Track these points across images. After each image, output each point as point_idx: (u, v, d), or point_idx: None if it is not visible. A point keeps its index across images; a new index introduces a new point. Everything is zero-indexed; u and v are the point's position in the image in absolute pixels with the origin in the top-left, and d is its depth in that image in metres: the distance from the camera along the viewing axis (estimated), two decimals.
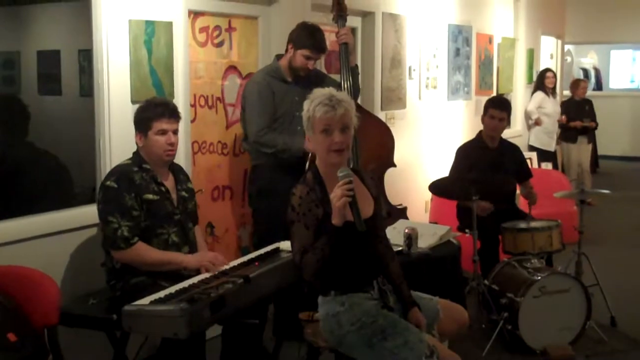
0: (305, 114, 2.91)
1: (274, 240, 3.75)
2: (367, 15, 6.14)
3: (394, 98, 6.49)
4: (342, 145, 2.87)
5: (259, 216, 4.44)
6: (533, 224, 4.86)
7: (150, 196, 3.35)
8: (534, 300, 4.32)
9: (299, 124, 4.45)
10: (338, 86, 4.53)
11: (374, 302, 2.95)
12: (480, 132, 5.43)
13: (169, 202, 3.43)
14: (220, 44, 4.69)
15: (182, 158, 4.15)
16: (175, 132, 3.44)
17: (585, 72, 15.49)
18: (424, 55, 6.96)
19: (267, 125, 4.24)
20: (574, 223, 5.13)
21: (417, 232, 3.80)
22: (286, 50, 4.37)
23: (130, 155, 3.47)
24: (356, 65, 4.70)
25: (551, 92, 9.29)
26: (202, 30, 4.54)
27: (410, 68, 6.73)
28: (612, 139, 13.03)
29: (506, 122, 5.33)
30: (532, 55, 9.98)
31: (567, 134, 9.48)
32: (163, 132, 3.38)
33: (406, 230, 3.79)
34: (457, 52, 7.67)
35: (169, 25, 4.07)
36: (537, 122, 9.30)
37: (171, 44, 4.09)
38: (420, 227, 3.95)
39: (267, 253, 3.56)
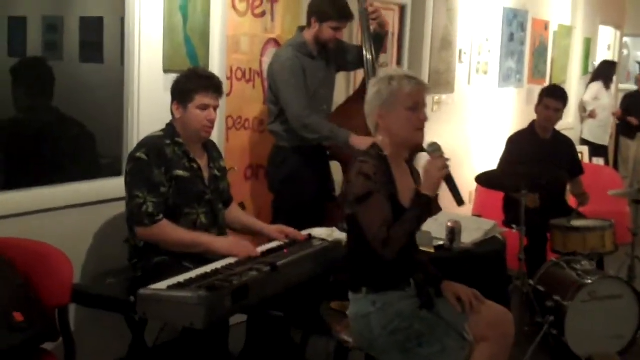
0: (386, 89, 2.72)
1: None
2: None
3: (442, 81, 6.18)
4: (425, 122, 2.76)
5: (281, 203, 4.16)
6: (584, 223, 4.56)
7: (180, 172, 3.12)
8: (582, 305, 4.03)
9: (324, 103, 4.23)
10: (359, 51, 4.26)
11: (410, 302, 2.70)
12: (533, 121, 5.13)
13: (200, 180, 3.20)
14: (262, 15, 4.43)
15: (215, 133, 3.90)
16: (216, 108, 3.21)
17: None
18: (476, 39, 6.63)
19: (308, 106, 3.98)
20: (626, 223, 4.82)
21: (461, 225, 3.51)
22: (309, 24, 4.08)
23: (162, 127, 3.24)
24: (387, 33, 4.41)
25: (608, 84, 8.88)
26: None
27: (461, 51, 6.41)
28: None
29: (561, 113, 5.02)
30: (588, 45, 9.53)
31: (625, 129, 9.05)
32: (204, 107, 3.14)
33: (449, 224, 3.50)
34: (511, 37, 7.31)
35: None
36: (592, 115, 8.89)
37: (208, 11, 3.86)
38: (463, 220, 3.66)
39: (298, 240, 3.31)
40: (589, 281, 4.05)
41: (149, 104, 3.58)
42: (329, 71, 4.24)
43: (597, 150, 8.83)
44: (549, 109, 4.95)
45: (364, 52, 4.22)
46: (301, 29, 4.16)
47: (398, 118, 2.72)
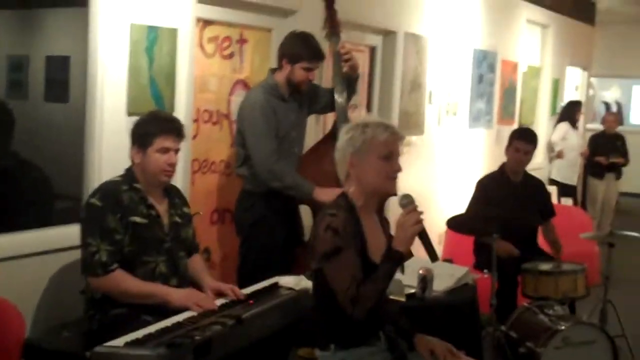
0: (360, 137, 2.64)
1: (262, 277, 3.40)
2: (388, 35, 5.81)
3: (412, 123, 6.15)
4: (398, 173, 2.68)
5: (249, 248, 4.03)
6: (557, 267, 4.50)
7: (137, 219, 3.00)
8: (555, 352, 3.94)
9: (295, 146, 4.15)
10: (331, 94, 4.19)
11: (381, 357, 2.59)
12: (503, 164, 5.09)
13: (158, 227, 3.08)
14: (230, 56, 4.37)
15: (179, 177, 3.82)
16: (177, 152, 3.11)
17: (607, 105, 15.12)
18: (445, 80, 6.62)
19: (276, 151, 3.89)
20: (595, 265, 4.77)
21: (433, 273, 3.42)
22: (280, 66, 4.00)
23: (123, 172, 3.13)
24: (359, 75, 4.34)
25: (575, 124, 8.94)
26: (210, 40, 4.22)
27: (430, 92, 6.39)
28: (634, 175, 12.58)
29: (531, 155, 4.99)
30: (557, 86, 9.62)
31: (594, 169, 9.07)
32: (165, 151, 3.03)
33: (421, 271, 3.41)
34: (481, 78, 7.33)
35: (173, 32, 3.75)
36: (560, 155, 8.93)
37: (175, 52, 3.77)
38: (435, 266, 3.57)
39: (264, 289, 3.20)
40: (562, 327, 3.98)
41: (112, 148, 3.46)
42: (300, 113, 4.16)
43: (565, 190, 8.84)
44: (519, 152, 4.92)
45: (336, 95, 4.16)
46: (272, 70, 4.09)
47: (371, 167, 2.64)
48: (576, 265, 4.53)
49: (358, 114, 5.26)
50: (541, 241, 5.19)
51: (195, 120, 4.13)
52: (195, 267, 3.30)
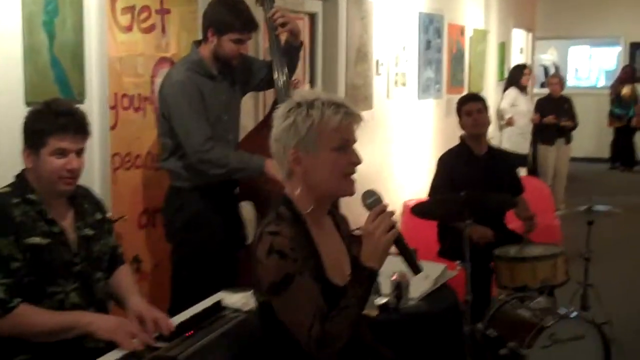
0: (304, 122, 2.01)
1: (199, 290, 2.82)
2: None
3: (360, 97, 5.59)
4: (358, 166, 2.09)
5: (182, 255, 3.45)
6: (532, 251, 4.04)
7: (36, 240, 2.35)
8: (542, 352, 3.47)
9: (230, 131, 3.55)
10: (269, 67, 3.63)
11: None
12: (462, 137, 4.60)
13: (64, 247, 2.43)
14: (150, 29, 3.72)
15: (96, 177, 3.20)
16: (80, 152, 2.46)
17: (546, 69, 14.86)
18: (392, 48, 6.07)
19: (210, 136, 3.29)
20: (556, 239, 4.34)
21: (408, 279, 2.88)
22: (205, 38, 3.41)
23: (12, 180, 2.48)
24: (301, 43, 3.77)
25: (524, 89, 8.53)
26: (125, 10, 3.55)
27: (377, 62, 5.83)
28: (579, 139, 12.35)
29: (486, 114, 4.53)
30: (503, 50, 9.19)
31: (543, 134, 8.70)
32: (61, 153, 2.39)
33: (394, 277, 2.87)
34: (428, 44, 6.81)
35: (77, 3, 3.09)
36: (510, 122, 8.50)
37: (81, 26, 3.13)
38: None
39: (204, 312, 2.59)
40: (548, 323, 3.50)
41: (6, 147, 2.80)
42: (233, 93, 3.57)
43: (518, 160, 8.44)
44: (472, 113, 4.46)
45: (274, 71, 3.56)
46: (197, 43, 3.47)
47: (321, 162, 2.03)
48: (554, 247, 4.10)
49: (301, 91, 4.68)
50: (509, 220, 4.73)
51: (113, 108, 3.49)
52: (119, 281, 2.68)
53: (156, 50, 3.76)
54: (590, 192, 8.74)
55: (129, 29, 3.59)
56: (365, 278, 1.95)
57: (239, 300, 2.68)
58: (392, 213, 2.00)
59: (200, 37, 3.55)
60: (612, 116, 12.23)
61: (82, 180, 2.58)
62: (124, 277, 2.71)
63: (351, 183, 2.07)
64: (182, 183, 3.39)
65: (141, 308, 2.52)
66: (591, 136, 12.88)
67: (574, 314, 3.69)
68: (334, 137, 2.01)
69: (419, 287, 3.02)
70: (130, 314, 2.52)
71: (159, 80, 3.63)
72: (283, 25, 3.56)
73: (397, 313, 2.88)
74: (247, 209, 3.72)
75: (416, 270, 2.05)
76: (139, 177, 3.69)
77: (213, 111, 3.38)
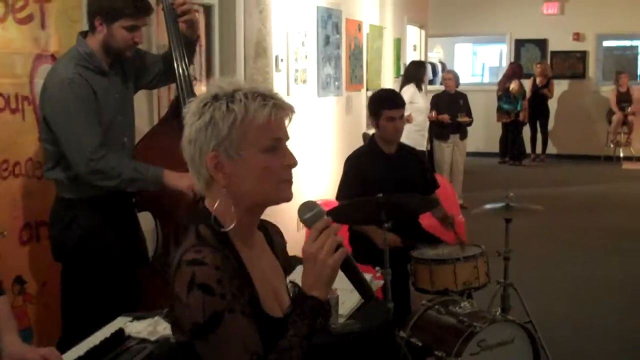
0: (224, 119, 1.62)
1: (97, 316, 2.46)
2: None
3: None
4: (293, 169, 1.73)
5: (73, 276, 3.05)
6: (451, 252, 3.86)
7: None
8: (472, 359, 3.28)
9: (125, 133, 3.13)
10: (165, 60, 3.29)
11: None
12: (373, 137, 4.39)
13: None
14: (27, 20, 3.26)
15: None
16: None
17: (433, 66, 15.00)
18: (292, 43, 5.78)
19: (100, 143, 2.89)
20: (461, 235, 4.19)
21: (338, 296, 2.57)
22: (93, 28, 3.02)
23: None
24: (198, 37, 3.44)
25: (420, 86, 8.46)
26: None
27: (277, 58, 5.52)
28: (472, 134, 12.47)
29: (404, 118, 4.35)
30: (399, 46, 9.08)
31: (438, 131, 8.68)
32: None
33: None
34: (327, 40, 6.56)
35: None
36: (409, 119, 8.38)
37: None
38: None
39: (105, 344, 2.22)
40: (476, 329, 3.31)
41: None
42: (126, 91, 3.19)
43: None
44: (395, 120, 4.22)
45: (175, 63, 3.19)
46: (83, 34, 3.07)
47: (249, 168, 1.65)
48: (474, 248, 3.93)
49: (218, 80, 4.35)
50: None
51: None
52: None
53: (34, 44, 3.31)
54: (482, 187, 8.82)
55: (2, 19, 3.13)
56: (308, 310, 1.62)
57: (144, 328, 2.32)
58: (337, 229, 1.67)
59: (86, 27, 3.14)
60: (501, 111, 12.41)
61: None
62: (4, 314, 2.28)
63: (287, 187, 1.71)
64: (71, 194, 2.99)
65: (21, 348, 2.10)
66: (481, 131, 13.05)
67: (502, 317, 3.52)
68: (263, 135, 1.64)
69: (347, 302, 2.73)
70: (4, 357, 2.11)
71: (39, 81, 3.18)
72: (183, 14, 3.20)
73: (327, 336, 2.50)
74: (145, 219, 3.33)
75: (368, 295, 1.74)
76: (18, 187, 3.22)
77: (108, 112, 2.99)
